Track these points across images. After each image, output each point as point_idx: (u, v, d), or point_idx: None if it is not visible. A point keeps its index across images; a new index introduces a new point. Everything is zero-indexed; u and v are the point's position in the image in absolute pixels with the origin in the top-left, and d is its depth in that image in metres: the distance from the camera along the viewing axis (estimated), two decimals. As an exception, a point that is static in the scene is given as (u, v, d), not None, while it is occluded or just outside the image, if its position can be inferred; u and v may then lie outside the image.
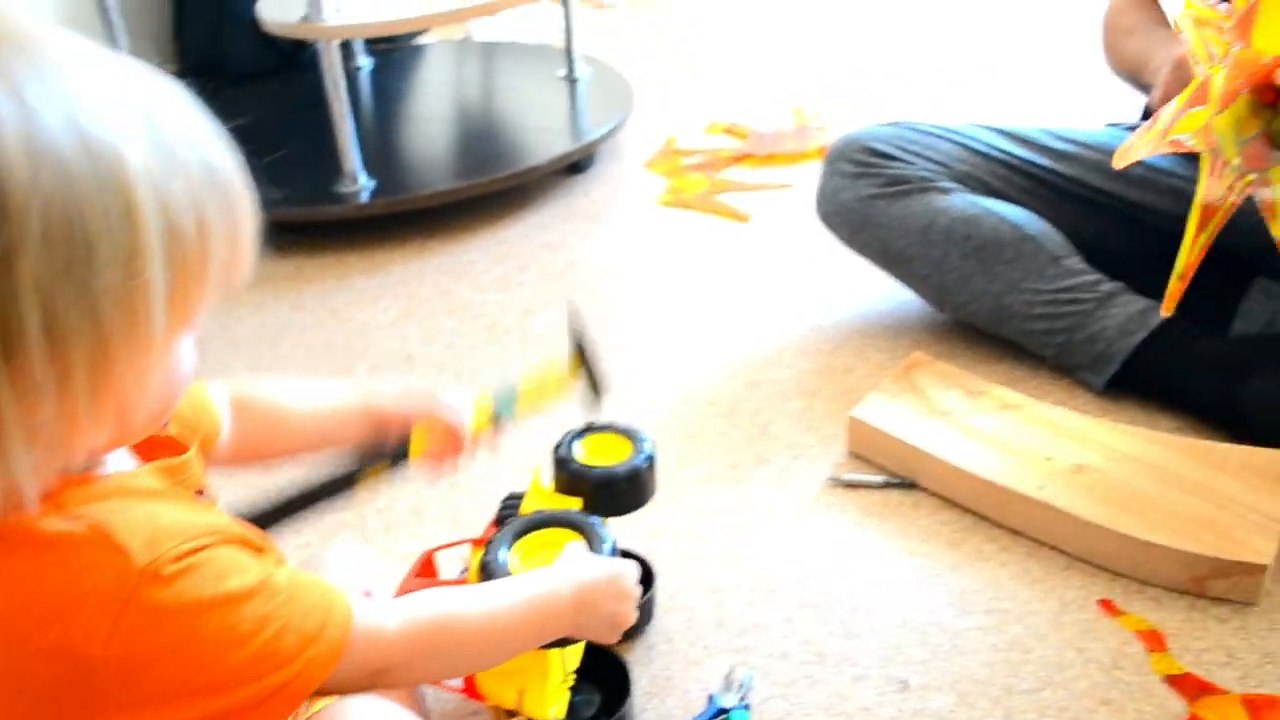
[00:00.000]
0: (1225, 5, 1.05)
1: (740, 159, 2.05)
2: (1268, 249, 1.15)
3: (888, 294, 1.56)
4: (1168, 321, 1.32)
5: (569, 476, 0.95)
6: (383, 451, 0.90)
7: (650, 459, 0.97)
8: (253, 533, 0.61)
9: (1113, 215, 1.43)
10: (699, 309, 1.61)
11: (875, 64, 2.54)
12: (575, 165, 2.03)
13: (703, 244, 1.79)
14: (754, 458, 1.30)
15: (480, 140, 2.12)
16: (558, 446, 0.98)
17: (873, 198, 1.44)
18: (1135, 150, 1.08)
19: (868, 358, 1.46)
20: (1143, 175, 1.40)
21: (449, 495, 1.26)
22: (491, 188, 1.89)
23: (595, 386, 1.00)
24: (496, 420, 0.95)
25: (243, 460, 0.83)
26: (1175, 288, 1.14)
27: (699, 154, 2.08)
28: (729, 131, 2.17)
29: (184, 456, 0.64)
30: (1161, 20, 1.31)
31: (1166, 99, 1.11)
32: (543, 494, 0.96)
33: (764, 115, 2.23)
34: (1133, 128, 1.49)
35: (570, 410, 1.00)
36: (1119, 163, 1.07)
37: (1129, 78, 1.43)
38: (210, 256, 0.54)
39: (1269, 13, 1.04)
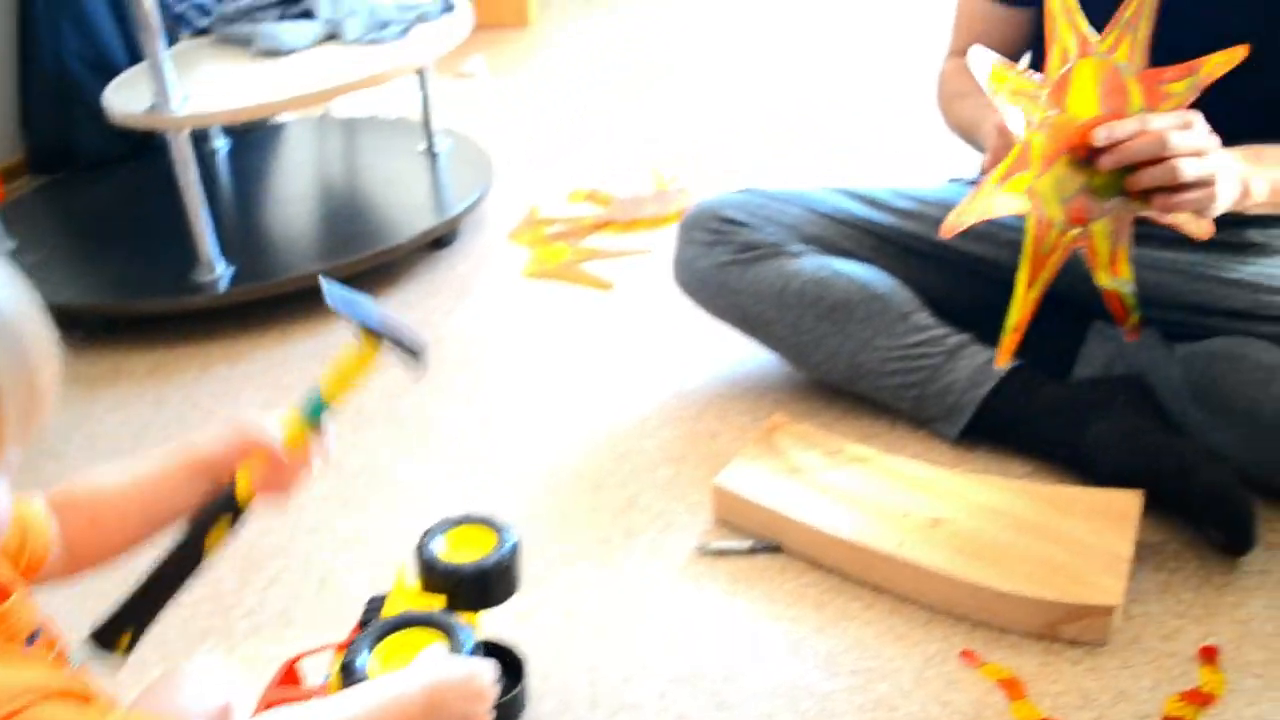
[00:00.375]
0: (1038, 75, 1.11)
1: (602, 226, 2.07)
2: (1100, 295, 1.21)
3: (749, 355, 1.59)
4: (1014, 370, 1.38)
5: (433, 574, 0.95)
6: (215, 508, 0.88)
7: (514, 550, 0.97)
8: (77, 681, 0.60)
9: (957, 269, 1.48)
10: (565, 380, 1.62)
11: (730, 124, 2.59)
12: (439, 240, 2.04)
13: (567, 314, 1.81)
14: (623, 531, 1.31)
15: (342, 220, 2.11)
16: (420, 544, 0.98)
17: (727, 264, 1.47)
18: (964, 217, 1.12)
19: (731, 421, 1.49)
20: (983, 230, 1.44)
21: (318, 597, 1.25)
22: (355, 268, 1.88)
23: (404, 347, 0.92)
24: (312, 423, 0.92)
25: (84, 563, 0.80)
26: (1009, 340, 1.19)
27: (561, 223, 2.10)
28: (591, 198, 2.19)
29: (6, 604, 0.63)
30: (1006, 65, 1.38)
31: (995, 163, 1.16)
32: (407, 594, 0.96)
33: (624, 180, 2.26)
34: (973, 182, 1.55)
35: (398, 377, 0.96)
36: (948, 230, 1.11)
37: (964, 138, 1.48)
38: (3, 409, 0.53)
39: (1080, 80, 1.10)
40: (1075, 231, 1.16)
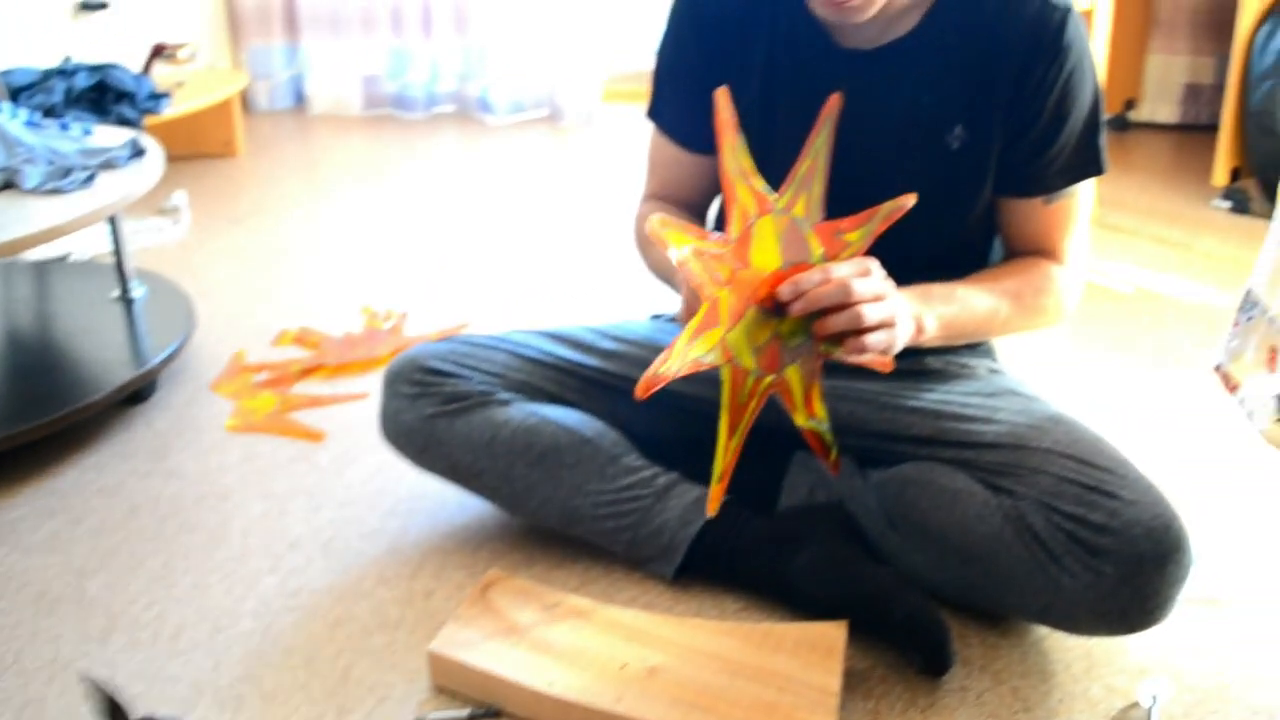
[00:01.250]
0: (719, 234, 1.15)
1: (312, 370, 2.01)
2: (798, 431, 1.26)
3: (463, 503, 1.57)
4: (722, 506, 1.40)
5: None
6: None
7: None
8: None
9: (662, 407, 1.50)
10: (271, 545, 1.55)
11: (443, 258, 2.59)
12: (135, 395, 1.92)
13: (274, 470, 1.73)
14: (336, 709, 1.25)
15: (24, 377, 1.96)
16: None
17: (434, 417, 1.45)
18: (659, 375, 1.14)
19: (447, 577, 1.45)
20: (683, 368, 1.48)
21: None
22: (38, 433, 1.75)
23: None
24: None
25: None
26: (716, 490, 1.21)
27: (268, 369, 2.02)
28: (299, 341, 2.13)
29: None
30: (686, 229, 1.42)
31: (689, 316, 1.20)
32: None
33: (333, 320, 2.21)
34: (674, 319, 1.59)
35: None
36: (643, 390, 1.12)
37: (662, 280, 1.52)
38: None
39: (761, 236, 1.16)
40: (770, 379, 1.20)
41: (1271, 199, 2.72)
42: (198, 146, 3.42)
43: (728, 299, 1.15)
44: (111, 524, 1.60)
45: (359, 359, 2.04)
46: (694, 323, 1.13)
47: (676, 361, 1.12)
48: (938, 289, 1.31)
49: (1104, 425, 1.35)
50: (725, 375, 1.18)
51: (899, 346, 1.22)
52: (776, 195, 1.17)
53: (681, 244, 1.12)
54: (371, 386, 1.93)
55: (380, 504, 1.62)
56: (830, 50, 1.35)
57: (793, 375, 1.22)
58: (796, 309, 1.15)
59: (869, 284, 1.16)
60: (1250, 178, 2.84)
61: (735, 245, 1.15)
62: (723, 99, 1.14)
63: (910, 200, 1.19)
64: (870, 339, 1.16)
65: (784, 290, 1.15)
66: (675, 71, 1.46)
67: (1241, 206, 2.81)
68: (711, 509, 1.22)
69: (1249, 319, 1.31)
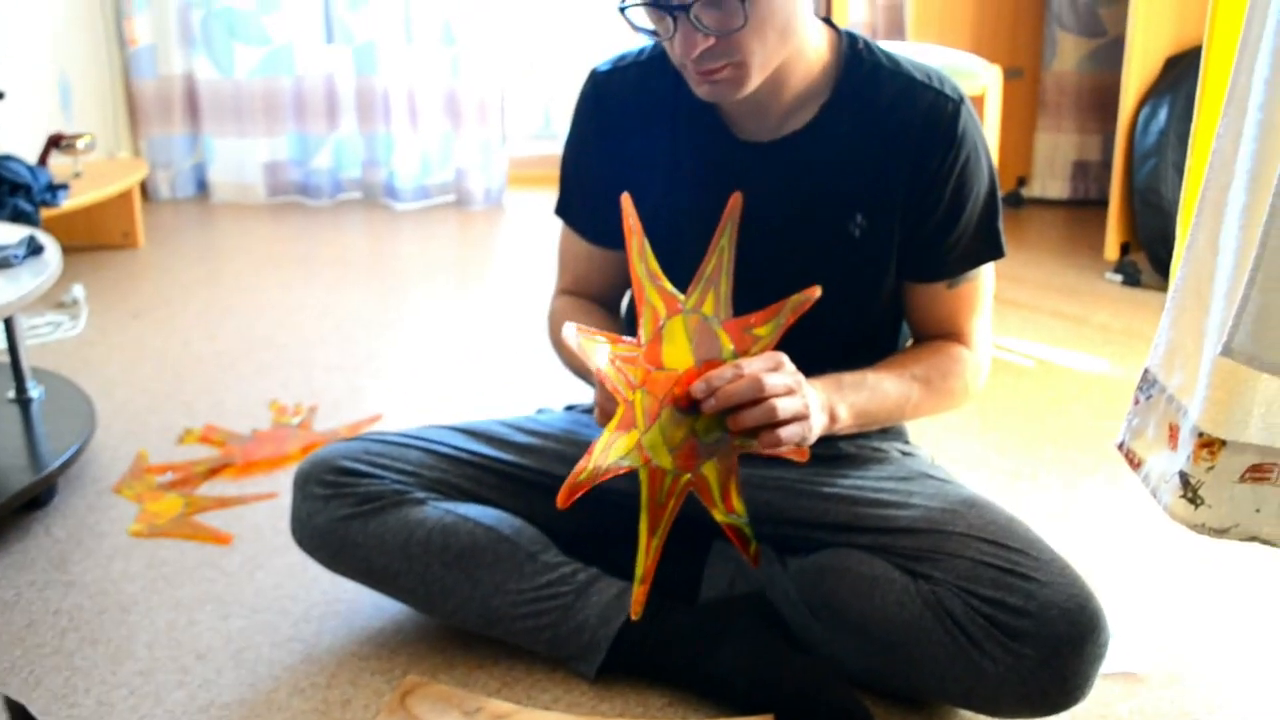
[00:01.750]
0: (630, 338, 1.16)
1: (218, 470, 1.96)
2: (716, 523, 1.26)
3: (379, 606, 1.53)
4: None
5: None
6: None
7: None
8: None
9: (580, 500, 1.49)
10: (180, 657, 1.49)
11: (351, 350, 2.56)
12: (33, 501, 1.85)
13: (181, 576, 1.67)
14: (250, 829, 1.20)
15: (-87, 487, 1.88)
16: None
17: (348, 518, 1.42)
18: (579, 483, 1.13)
19: (364, 683, 1.41)
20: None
21: None
22: (-72, 545, 1.68)
23: None
24: None
25: None
26: (639, 593, 1.21)
27: (172, 470, 1.97)
28: (204, 440, 2.08)
29: None
30: (599, 321, 1.43)
31: (604, 419, 1.20)
32: None
33: (240, 416, 2.17)
34: (589, 410, 1.59)
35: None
36: (564, 499, 1.12)
37: (577, 375, 1.52)
38: None
39: (672, 337, 1.17)
40: (687, 476, 1.21)
41: (1160, 272, 2.82)
42: (97, 238, 3.35)
43: (643, 400, 1.16)
44: (7, 640, 1.53)
45: (267, 457, 2.00)
46: (610, 426, 1.14)
47: (595, 466, 1.13)
48: (849, 378, 1.33)
49: (1014, 503, 1.38)
50: (643, 476, 1.18)
51: (813, 438, 1.23)
52: (685, 295, 1.19)
53: (598, 351, 1.12)
54: (281, 485, 1.89)
55: (292, 610, 1.58)
56: (731, 144, 1.38)
57: (710, 471, 1.23)
58: (710, 406, 1.16)
59: (780, 378, 1.18)
60: (1140, 251, 2.94)
61: (647, 347, 1.16)
62: (627, 205, 1.15)
63: (816, 292, 1.21)
64: (784, 432, 1.18)
65: (697, 388, 1.16)
66: (582, 169, 1.48)
67: (1133, 279, 2.91)
68: (635, 612, 1.21)
69: (1148, 398, 1.34)
